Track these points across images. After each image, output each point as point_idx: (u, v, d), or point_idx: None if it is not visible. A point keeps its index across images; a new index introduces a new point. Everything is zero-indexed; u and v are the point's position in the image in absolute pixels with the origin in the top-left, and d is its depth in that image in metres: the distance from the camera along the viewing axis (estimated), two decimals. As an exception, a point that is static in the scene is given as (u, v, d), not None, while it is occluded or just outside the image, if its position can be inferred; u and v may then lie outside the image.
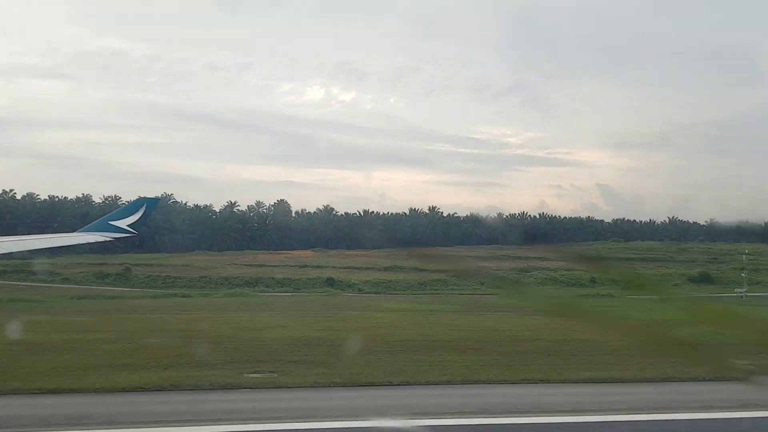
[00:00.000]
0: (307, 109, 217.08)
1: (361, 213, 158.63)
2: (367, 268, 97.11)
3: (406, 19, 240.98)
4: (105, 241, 22.60)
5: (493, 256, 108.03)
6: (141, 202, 23.18)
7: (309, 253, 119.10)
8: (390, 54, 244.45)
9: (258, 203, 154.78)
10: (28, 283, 72.74)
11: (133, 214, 22.24)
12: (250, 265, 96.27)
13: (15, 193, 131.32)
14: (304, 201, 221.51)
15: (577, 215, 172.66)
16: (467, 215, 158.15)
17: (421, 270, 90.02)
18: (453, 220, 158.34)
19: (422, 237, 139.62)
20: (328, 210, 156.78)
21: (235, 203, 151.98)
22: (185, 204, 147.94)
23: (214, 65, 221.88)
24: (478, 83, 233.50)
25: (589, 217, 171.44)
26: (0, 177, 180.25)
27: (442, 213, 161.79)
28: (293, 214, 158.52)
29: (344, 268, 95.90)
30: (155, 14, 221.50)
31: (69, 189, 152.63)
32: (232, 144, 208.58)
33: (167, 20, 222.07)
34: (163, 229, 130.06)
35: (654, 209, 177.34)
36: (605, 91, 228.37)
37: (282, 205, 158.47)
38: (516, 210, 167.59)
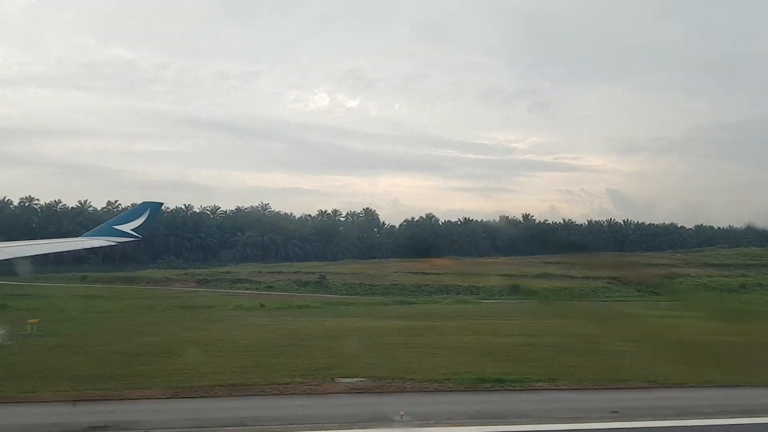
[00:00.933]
0: (313, 115, 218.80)
1: (462, 221, 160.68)
2: (521, 276, 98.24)
3: (414, 25, 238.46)
4: (109, 246, 22.67)
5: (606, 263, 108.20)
6: (145, 206, 23.18)
7: (446, 261, 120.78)
8: (397, 61, 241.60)
9: (351, 213, 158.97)
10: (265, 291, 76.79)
11: (137, 218, 22.44)
12: (415, 273, 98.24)
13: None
14: (310, 207, 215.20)
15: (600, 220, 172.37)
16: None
17: (589, 277, 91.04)
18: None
19: (578, 242, 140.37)
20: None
21: (336, 211, 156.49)
22: (290, 214, 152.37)
23: (222, 73, 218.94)
24: (485, 89, 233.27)
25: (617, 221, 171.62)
26: (11, 185, 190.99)
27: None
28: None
29: (507, 275, 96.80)
30: (164, 23, 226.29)
31: (78, 197, 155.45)
32: (239, 151, 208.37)
33: (176, 29, 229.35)
34: (294, 239, 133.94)
35: (668, 214, 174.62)
36: (613, 95, 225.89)
37: (369, 214, 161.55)
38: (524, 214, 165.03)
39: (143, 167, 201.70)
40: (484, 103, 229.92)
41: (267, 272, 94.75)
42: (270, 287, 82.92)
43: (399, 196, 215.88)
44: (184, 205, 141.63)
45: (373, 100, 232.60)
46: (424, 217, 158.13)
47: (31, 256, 20.43)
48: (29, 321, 36.30)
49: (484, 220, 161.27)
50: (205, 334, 35.87)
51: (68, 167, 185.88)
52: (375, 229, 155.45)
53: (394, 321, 44.33)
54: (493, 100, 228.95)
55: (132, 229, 22.16)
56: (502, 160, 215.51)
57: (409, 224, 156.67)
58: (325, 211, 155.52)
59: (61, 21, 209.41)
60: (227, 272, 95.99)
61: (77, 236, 26.20)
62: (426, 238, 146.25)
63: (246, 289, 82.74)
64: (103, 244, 22.30)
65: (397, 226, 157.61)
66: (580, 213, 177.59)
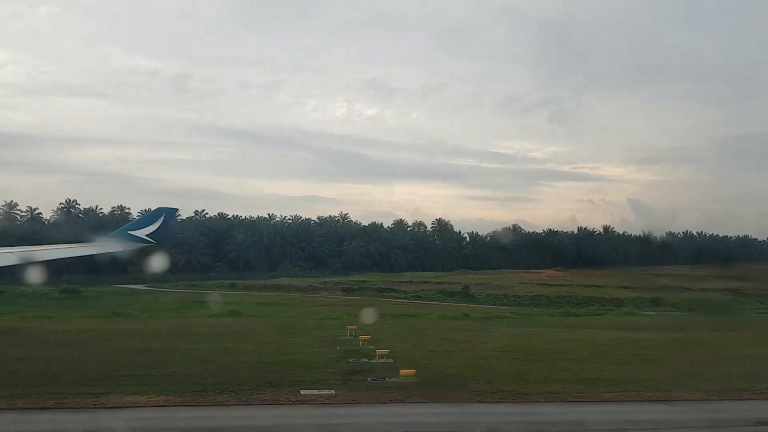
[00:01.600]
0: (332, 124, 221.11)
1: (546, 231, 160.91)
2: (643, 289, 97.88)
3: (434, 35, 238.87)
4: (124, 251, 23.04)
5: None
6: (160, 212, 23.69)
7: (552, 272, 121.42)
8: (417, 70, 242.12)
9: (417, 222, 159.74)
10: (414, 300, 78.04)
11: (152, 223, 23.09)
12: (540, 284, 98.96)
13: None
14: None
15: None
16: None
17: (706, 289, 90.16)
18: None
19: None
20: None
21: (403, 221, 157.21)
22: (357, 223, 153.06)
23: (244, 83, 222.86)
24: (505, 98, 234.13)
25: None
26: (35, 193, 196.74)
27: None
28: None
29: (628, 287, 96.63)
30: (187, 34, 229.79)
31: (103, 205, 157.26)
32: (258, 160, 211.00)
33: (199, 40, 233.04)
34: (397, 249, 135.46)
35: (687, 223, 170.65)
36: (632, 105, 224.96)
37: (442, 223, 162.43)
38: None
39: (163, 175, 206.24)
40: (504, 112, 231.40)
41: (402, 282, 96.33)
42: (418, 296, 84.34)
43: (416, 205, 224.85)
44: (293, 215, 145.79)
45: (392, 109, 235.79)
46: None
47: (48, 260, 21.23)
48: (350, 327, 36.73)
49: (596, 230, 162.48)
50: (516, 342, 37.13)
51: (92, 174, 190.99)
52: (466, 239, 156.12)
53: (625, 332, 44.71)
54: (512, 110, 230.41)
55: (146, 235, 22.44)
56: (521, 170, 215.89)
57: (498, 235, 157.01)
58: (402, 220, 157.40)
59: (85, 31, 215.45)
60: (364, 281, 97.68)
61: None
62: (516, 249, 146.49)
63: (394, 297, 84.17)
64: (118, 249, 22.67)
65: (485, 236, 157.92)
66: (601, 223, 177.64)
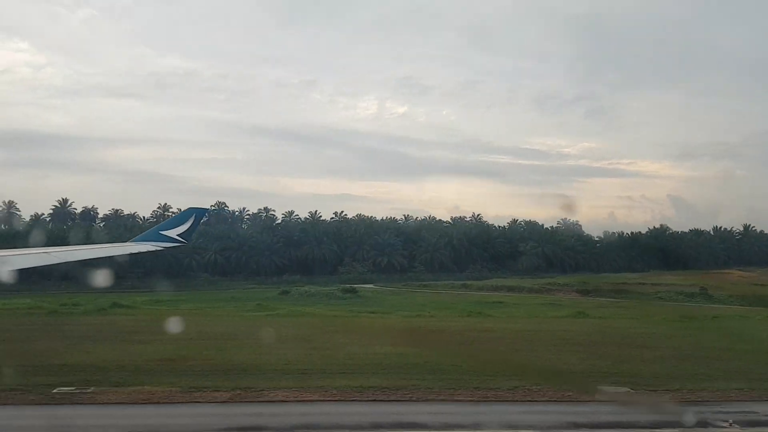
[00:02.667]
0: (364, 122, 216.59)
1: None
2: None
3: (469, 32, 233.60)
4: (156, 250, 22.95)
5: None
6: (190, 211, 23.35)
7: (738, 272, 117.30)
8: (451, 67, 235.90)
9: (514, 221, 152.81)
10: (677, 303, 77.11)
11: (183, 223, 22.60)
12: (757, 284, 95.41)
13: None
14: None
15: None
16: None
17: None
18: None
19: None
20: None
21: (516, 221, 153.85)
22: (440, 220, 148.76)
23: (279, 82, 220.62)
24: (540, 95, 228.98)
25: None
26: (75, 193, 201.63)
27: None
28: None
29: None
30: (223, 34, 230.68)
31: (139, 204, 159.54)
32: (290, 158, 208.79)
33: (234, 40, 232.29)
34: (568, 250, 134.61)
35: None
36: (669, 100, 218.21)
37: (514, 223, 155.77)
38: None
39: (197, 174, 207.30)
40: (539, 109, 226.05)
41: (622, 283, 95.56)
42: (660, 298, 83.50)
43: (448, 202, 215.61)
44: (474, 216, 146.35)
45: (425, 106, 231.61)
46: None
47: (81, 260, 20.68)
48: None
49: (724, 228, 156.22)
50: None
51: (129, 174, 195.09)
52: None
53: None
54: (547, 106, 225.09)
55: (178, 235, 22.37)
56: (555, 166, 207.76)
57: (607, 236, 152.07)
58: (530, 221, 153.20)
59: (121, 33, 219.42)
60: (584, 282, 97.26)
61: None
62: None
63: (636, 299, 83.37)
64: (150, 249, 22.43)
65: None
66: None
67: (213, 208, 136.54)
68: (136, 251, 22.53)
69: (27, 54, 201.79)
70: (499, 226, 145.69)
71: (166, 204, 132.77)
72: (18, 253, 17.37)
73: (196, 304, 61.24)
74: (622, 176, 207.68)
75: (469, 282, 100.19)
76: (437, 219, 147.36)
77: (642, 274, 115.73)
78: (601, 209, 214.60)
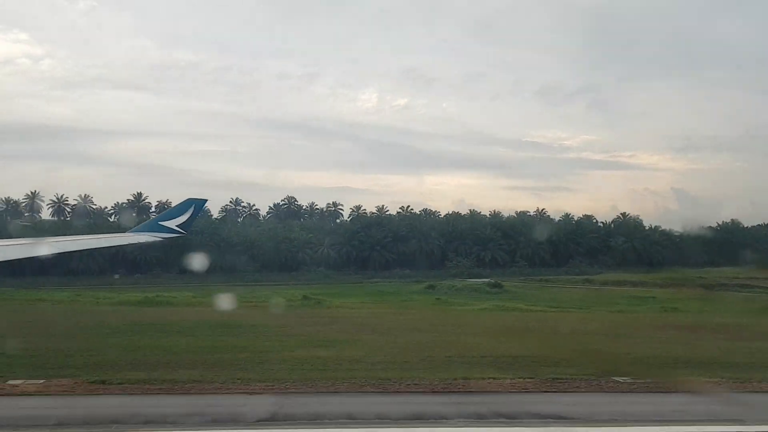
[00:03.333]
0: (367, 115, 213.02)
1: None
2: None
3: (473, 23, 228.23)
4: (155, 241, 22.59)
5: None
6: (189, 202, 23.11)
7: None
8: (456, 59, 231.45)
9: (567, 215, 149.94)
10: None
11: (182, 214, 22.41)
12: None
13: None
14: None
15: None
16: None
17: None
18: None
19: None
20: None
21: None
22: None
23: (282, 74, 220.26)
24: (545, 87, 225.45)
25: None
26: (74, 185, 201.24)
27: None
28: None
29: None
30: (225, 26, 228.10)
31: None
32: (291, 150, 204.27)
33: (238, 32, 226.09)
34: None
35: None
36: (672, 93, 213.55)
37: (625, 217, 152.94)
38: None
39: (199, 166, 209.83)
40: (542, 101, 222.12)
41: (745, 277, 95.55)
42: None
43: (447, 195, 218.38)
44: (565, 214, 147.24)
45: (428, 98, 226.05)
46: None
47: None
48: None
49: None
50: None
51: (129, 166, 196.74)
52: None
53: None
54: (551, 98, 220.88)
55: (177, 225, 22.28)
56: (556, 158, 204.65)
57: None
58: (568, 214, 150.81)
59: (121, 25, 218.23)
60: (700, 277, 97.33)
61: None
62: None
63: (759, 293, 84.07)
64: (149, 240, 22.46)
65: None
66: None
67: (232, 204, 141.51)
68: (135, 242, 22.97)
69: (26, 45, 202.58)
70: (594, 222, 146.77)
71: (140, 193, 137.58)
72: (16, 243, 17.45)
73: (372, 298, 64.09)
74: (623, 169, 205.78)
75: (582, 277, 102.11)
76: (530, 213, 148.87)
77: (733, 269, 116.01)
78: (603, 202, 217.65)
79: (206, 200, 24.97)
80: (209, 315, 37.96)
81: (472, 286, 77.36)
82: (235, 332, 27.86)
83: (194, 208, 23.08)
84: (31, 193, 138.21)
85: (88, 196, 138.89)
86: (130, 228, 24.89)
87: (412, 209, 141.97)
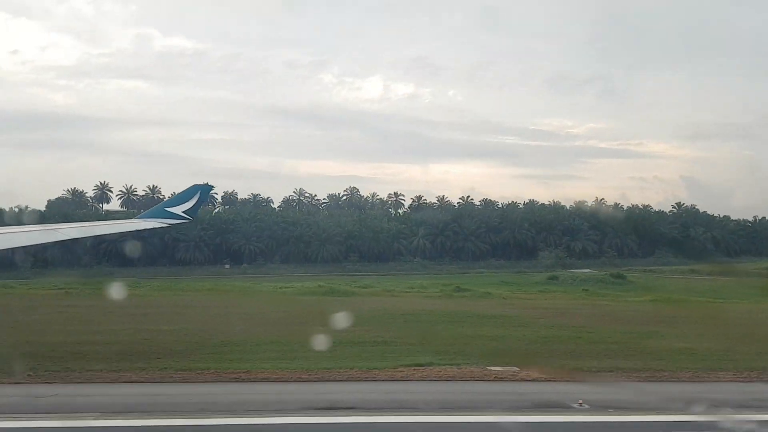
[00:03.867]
0: (374, 103, 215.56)
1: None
2: None
3: (481, 11, 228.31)
4: (161, 227, 22.64)
5: None
6: (195, 189, 23.02)
7: None
8: (464, 48, 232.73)
9: (600, 200, 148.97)
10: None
11: (188, 200, 22.50)
12: None
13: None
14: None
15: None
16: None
17: None
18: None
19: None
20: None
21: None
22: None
23: (290, 63, 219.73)
24: (554, 76, 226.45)
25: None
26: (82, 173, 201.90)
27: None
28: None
29: None
30: (234, 15, 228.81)
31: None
32: (297, 140, 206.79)
33: (246, 22, 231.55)
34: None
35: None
36: (681, 81, 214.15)
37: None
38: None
39: (204, 154, 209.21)
40: (551, 90, 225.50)
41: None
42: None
43: (453, 184, 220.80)
44: (616, 203, 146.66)
45: (436, 87, 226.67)
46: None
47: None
48: None
49: None
50: None
51: (132, 155, 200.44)
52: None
53: None
54: (560, 87, 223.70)
55: (183, 211, 22.44)
56: (563, 147, 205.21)
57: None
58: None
59: (127, 13, 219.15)
60: None
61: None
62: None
63: None
64: (156, 226, 22.55)
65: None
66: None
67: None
68: (143, 228, 23.04)
69: (33, 34, 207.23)
70: (669, 212, 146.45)
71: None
72: (25, 229, 17.64)
73: (511, 288, 65.32)
74: (631, 157, 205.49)
75: (683, 267, 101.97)
76: (609, 204, 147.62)
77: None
78: (611, 190, 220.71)
79: (212, 186, 25.45)
80: (433, 305, 39.77)
81: (595, 276, 78.18)
82: (514, 322, 29.86)
83: (200, 194, 23.39)
84: (101, 183, 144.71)
85: (157, 186, 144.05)
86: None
87: (472, 198, 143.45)
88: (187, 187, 24.40)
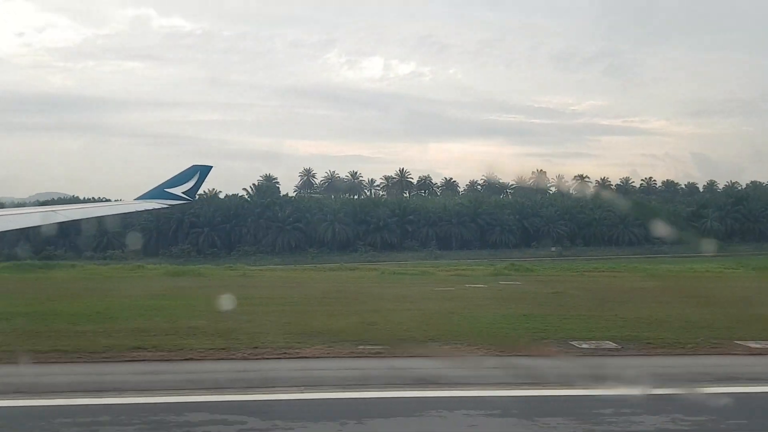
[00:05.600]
0: (377, 82, 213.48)
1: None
2: None
3: None
4: (162, 208, 22.16)
5: None
6: (195, 169, 22.06)
7: None
8: (471, 25, 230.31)
9: (649, 179, 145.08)
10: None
11: (188, 181, 21.64)
12: None
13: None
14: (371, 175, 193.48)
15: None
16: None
17: None
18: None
19: None
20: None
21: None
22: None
23: (297, 43, 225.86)
24: (562, 53, 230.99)
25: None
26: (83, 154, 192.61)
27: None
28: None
29: None
30: None
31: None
32: (298, 119, 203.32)
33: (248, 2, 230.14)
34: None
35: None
36: (686, 57, 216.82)
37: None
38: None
39: (208, 135, 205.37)
40: (558, 67, 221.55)
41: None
42: None
43: (449, 163, 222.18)
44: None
45: (441, 64, 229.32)
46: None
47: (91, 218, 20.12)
48: None
49: None
50: None
51: (135, 136, 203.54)
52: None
53: None
54: (568, 64, 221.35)
55: (183, 192, 21.52)
56: (568, 124, 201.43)
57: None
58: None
59: None
60: None
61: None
62: None
63: None
64: (156, 207, 21.79)
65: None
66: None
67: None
68: (142, 209, 22.69)
69: (32, 14, 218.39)
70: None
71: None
72: (23, 211, 17.21)
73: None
74: (636, 134, 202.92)
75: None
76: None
77: None
78: (619, 168, 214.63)
79: (211, 167, 23.91)
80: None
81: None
82: None
83: (199, 174, 22.54)
84: (305, 169, 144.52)
85: (357, 172, 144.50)
86: None
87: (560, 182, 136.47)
88: (185, 168, 23.49)
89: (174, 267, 42.21)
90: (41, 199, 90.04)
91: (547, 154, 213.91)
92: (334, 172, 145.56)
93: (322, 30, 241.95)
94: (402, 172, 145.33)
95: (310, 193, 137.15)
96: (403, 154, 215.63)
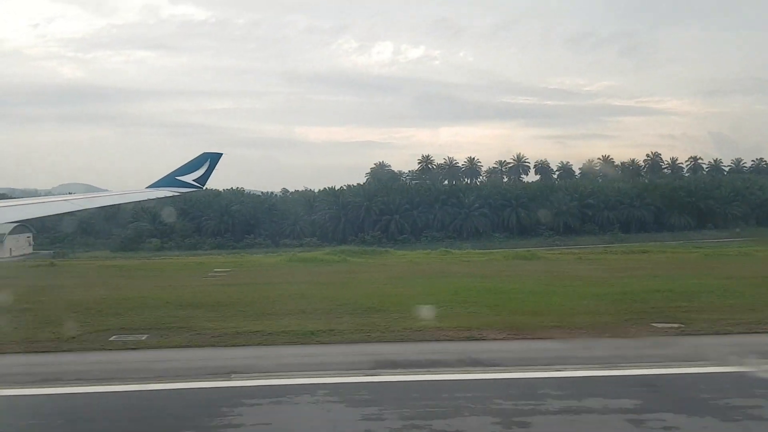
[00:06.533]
0: (390, 66, 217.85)
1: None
2: None
3: None
4: (173, 196, 22.40)
5: None
6: (205, 156, 22.48)
7: None
8: (487, 7, 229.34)
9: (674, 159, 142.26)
10: None
11: (198, 168, 21.93)
12: None
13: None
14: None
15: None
16: None
17: None
18: None
19: None
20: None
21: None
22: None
23: (311, 28, 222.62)
24: (577, 34, 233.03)
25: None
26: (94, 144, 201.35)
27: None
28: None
29: None
30: None
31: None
32: (309, 105, 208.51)
33: None
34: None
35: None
36: (701, 36, 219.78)
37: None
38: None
39: (219, 123, 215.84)
40: (573, 48, 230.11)
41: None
42: None
43: (463, 147, 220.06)
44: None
45: (457, 48, 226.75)
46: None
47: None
48: None
49: None
50: None
51: (147, 126, 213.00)
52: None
53: None
54: (583, 45, 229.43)
55: (194, 180, 21.92)
56: (582, 106, 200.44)
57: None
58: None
59: None
60: None
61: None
62: None
63: None
64: (167, 195, 22.14)
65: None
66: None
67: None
68: (154, 197, 23.12)
69: (44, 5, 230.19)
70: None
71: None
72: (37, 201, 17.73)
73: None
74: (652, 114, 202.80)
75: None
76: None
77: None
78: (635, 148, 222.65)
79: (221, 154, 24.19)
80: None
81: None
82: None
83: (210, 161, 23.08)
84: (423, 156, 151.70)
85: (452, 158, 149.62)
86: None
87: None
88: (196, 156, 24.54)
89: (513, 251, 45.20)
90: (66, 190, 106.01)
91: (563, 135, 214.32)
92: (452, 158, 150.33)
93: (333, 16, 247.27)
94: (518, 158, 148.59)
95: (426, 178, 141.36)
96: (413, 138, 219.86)
